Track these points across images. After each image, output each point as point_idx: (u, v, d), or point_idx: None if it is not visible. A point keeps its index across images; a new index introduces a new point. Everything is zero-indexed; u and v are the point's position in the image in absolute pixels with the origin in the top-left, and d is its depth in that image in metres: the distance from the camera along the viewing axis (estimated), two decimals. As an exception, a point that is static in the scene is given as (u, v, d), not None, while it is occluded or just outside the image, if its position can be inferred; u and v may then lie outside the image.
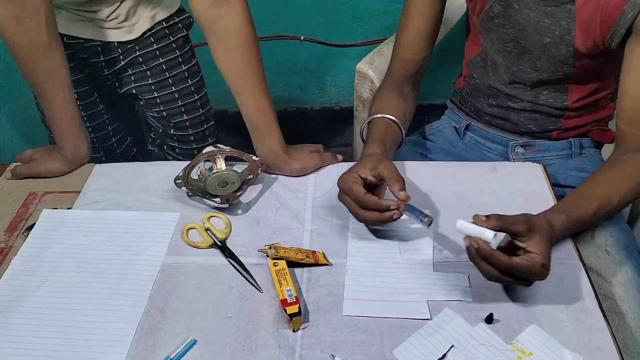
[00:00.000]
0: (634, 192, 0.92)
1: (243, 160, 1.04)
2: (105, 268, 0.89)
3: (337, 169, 1.05)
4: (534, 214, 0.83)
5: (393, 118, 1.06)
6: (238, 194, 0.97)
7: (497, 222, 0.78)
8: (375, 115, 1.07)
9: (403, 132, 1.08)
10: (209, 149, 1.06)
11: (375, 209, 0.86)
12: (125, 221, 0.97)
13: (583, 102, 1.13)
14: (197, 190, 0.99)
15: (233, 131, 1.28)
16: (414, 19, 1.11)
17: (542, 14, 1.02)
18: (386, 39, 1.65)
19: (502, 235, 0.78)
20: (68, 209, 1.00)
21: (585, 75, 1.08)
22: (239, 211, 0.98)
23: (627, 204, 0.93)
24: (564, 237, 0.89)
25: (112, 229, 0.95)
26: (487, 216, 0.78)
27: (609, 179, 0.93)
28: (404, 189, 0.86)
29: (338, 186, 0.90)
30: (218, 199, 0.97)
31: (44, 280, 0.87)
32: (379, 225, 0.92)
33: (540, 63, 1.08)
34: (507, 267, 0.76)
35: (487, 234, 0.77)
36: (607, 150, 1.24)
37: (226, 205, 0.98)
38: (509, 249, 0.79)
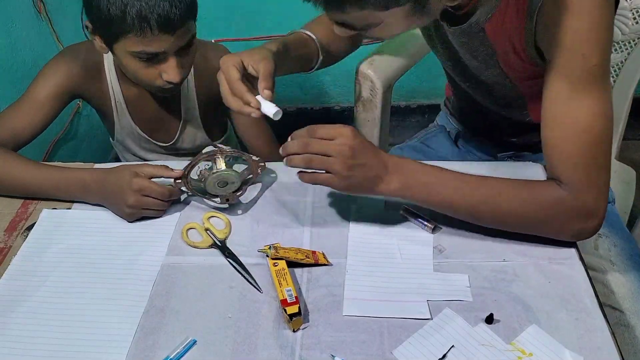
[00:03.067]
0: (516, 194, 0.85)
1: (243, 160, 1.04)
2: (105, 268, 0.89)
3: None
4: None
5: (313, 36, 1.04)
6: (238, 194, 0.97)
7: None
8: (298, 30, 1.05)
9: (320, 54, 1.07)
10: (209, 149, 1.06)
11: (240, 98, 0.88)
12: (125, 221, 0.97)
13: None
14: (197, 190, 0.99)
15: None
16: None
17: (460, 44, 0.96)
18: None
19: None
20: (68, 209, 1.00)
21: (538, 92, 0.89)
22: (239, 211, 0.98)
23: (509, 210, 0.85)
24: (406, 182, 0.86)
25: (112, 229, 0.95)
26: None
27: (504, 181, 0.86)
28: (269, 88, 0.88)
29: (220, 64, 0.90)
30: (218, 199, 0.97)
31: (44, 280, 0.87)
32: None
33: (482, 83, 1.01)
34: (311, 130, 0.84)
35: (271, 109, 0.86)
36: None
37: (226, 205, 0.98)
38: None
